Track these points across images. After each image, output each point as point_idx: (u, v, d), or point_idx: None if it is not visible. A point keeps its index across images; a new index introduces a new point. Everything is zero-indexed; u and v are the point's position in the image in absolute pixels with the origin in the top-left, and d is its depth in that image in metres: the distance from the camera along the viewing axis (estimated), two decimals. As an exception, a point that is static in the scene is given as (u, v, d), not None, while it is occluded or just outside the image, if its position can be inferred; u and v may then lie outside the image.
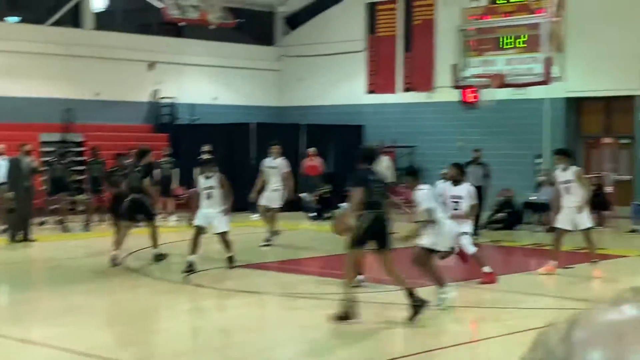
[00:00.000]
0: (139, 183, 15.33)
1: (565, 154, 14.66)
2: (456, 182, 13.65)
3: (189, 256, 14.16)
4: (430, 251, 11.20)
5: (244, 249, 16.55)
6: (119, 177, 16.39)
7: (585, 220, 13.97)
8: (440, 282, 11.17)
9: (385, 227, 10.51)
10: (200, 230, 14.50)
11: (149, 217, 15.47)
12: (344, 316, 10.28)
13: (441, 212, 11.33)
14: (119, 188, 16.05)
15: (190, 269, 14.02)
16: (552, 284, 13.68)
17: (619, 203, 22.41)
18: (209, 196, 14.64)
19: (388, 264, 10.58)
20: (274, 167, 17.83)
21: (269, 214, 17.78)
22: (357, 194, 10.46)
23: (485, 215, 20.32)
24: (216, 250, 15.17)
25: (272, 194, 17.71)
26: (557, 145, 22.07)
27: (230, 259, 14.64)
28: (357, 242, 10.50)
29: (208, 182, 14.68)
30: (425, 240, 11.11)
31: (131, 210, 15.30)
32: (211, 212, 14.55)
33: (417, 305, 10.27)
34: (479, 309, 11.93)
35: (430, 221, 11.05)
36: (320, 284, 13.35)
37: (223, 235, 14.69)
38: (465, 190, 13.47)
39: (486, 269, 13.34)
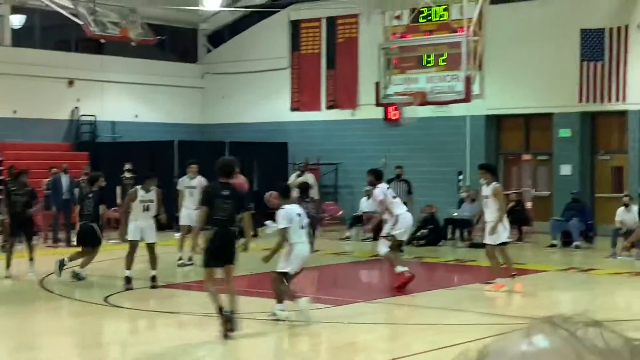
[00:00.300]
0: (94, 209, 15.29)
1: (487, 170, 14.84)
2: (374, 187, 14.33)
3: (126, 271, 14.34)
4: (283, 273, 11.32)
5: (166, 268, 16.35)
6: (17, 197, 16.11)
7: (501, 235, 14.10)
8: (281, 298, 11.36)
9: (229, 242, 10.61)
10: (135, 245, 14.63)
11: (96, 244, 15.42)
12: (229, 329, 10.30)
13: (297, 234, 11.36)
14: (16, 208, 15.91)
15: (129, 285, 14.21)
16: (474, 299, 13.80)
17: (538, 218, 22.82)
18: (146, 209, 14.79)
19: (228, 278, 10.74)
20: (194, 186, 17.56)
21: (190, 234, 17.56)
22: (202, 211, 10.79)
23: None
24: (139, 269, 14.94)
25: (193, 213, 17.46)
26: (478, 162, 22.40)
27: (154, 279, 14.51)
28: (206, 259, 10.66)
29: (147, 196, 14.84)
30: (279, 264, 11.32)
31: (82, 236, 15.46)
32: (144, 225, 14.69)
33: (228, 329, 10.33)
34: (403, 326, 11.97)
35: (285, 241, 11.16)
36: (244, 303, 13.22)
37: (152, 247, 14.69)
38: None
39: (399, 269, 13.60)
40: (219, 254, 10.58)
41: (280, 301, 11.37)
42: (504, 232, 14.13)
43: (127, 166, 23.10)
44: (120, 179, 22.62)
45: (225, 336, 10.25)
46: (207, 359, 10.11)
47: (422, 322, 11.81)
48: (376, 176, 14.66)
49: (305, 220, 11.80)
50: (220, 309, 10.35)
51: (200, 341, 10.77)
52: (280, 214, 11.41)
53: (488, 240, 14.15)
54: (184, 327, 11.97)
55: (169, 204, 18.82)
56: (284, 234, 11.27)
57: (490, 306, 13.20)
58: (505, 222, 14.25)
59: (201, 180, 17.58)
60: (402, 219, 14.25)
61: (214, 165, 10.99)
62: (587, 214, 21.18)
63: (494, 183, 14.37)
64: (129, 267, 14.40)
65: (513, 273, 14.25)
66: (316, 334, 11.07)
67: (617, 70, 22.84)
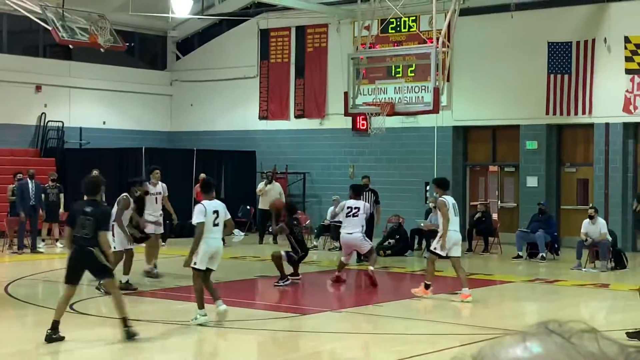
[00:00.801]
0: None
1: (435, 184, 15.10)
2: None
3: (124, 276, 14.72)
4: (201, 270, 11.37)
5: (132, 276, 16.26)
6: None
7: (437, 243, 14.21)
8: (202, 302, 11.56)
9: (89, 259, 10.60)
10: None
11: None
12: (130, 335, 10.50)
13: (210, 230, 11.42)
14: None
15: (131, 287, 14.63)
16: (440, 309, 13.86)
17: (505, 230, 22.99)
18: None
19: (112, 291, 10.98)
20: (158, 192, 17.38)
21: (153, 241, 17.46)
22: (66, 230, 11.13)
23: (375, 242, 20.50)
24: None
25: (157, 220, 17.32)
26: (445, 173, 22.55)
27: (126, 284, 14.61)
28: (66, 277, 10.78)
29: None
30: (196, 260, 11.49)
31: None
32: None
33: (129, 334, 10.54)
34: (369, 335, 11.99)
35: (201, 237, 11.30)
36: (210, 311, 13.18)
37: (129, 252, 15.06)
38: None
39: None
40: (77, 271, 10.69)
41: (200, 306, 11.54)
42: (448, 244, 14.13)
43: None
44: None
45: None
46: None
47: (389, 332, 11.83)
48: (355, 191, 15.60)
49: (226, 218, 11.75)
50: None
51: (158, 348, 10.71)
52: (196, 209, 11.48)
53: (439, 250, 14.22)
54: (142, 335, 11.91)
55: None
56: (200, 229, 11.26)
57: (456, 316, 13.26)
58: (449, 235, 14.14)
59: (164, 187, 17.44)
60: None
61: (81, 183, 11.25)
62: (553, 226, 21.36)
63: (442, 197, 14.43)
64: (126, 272, 14.90)
65: (428, 282, 14.31)
66: (283, 343, 11.06)
67: (583, 83, 23.09)
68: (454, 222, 14.21)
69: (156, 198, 17.14)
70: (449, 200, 14.41)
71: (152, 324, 12.51)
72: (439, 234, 14.26)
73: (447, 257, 14.23)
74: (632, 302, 15.09)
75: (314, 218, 25.78)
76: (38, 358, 10.49)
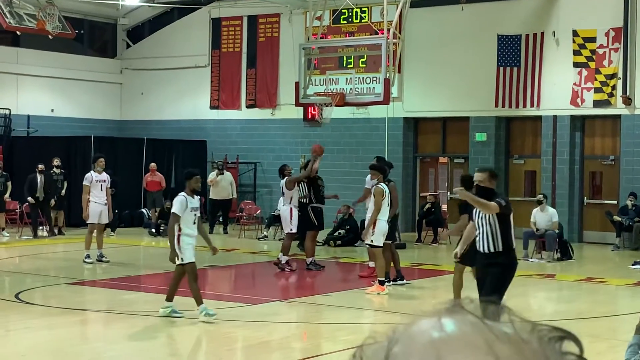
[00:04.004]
0: None
1: (374, 168, 14.84)
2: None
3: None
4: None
5: (76, 266, 16.17)
6: None
7: (371, 235, 14.01)
8: (171, 296, 11.43)
9: None
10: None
11: None
12: None
13: (189, 225, 11.25)
14: None
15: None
16: (390, 299, 13.94)
17: (453, 220, 23.13)
18: None
19: None
20: (104, 180, 17.33)
21: (97, 231, 17.38)
22: None
23: (325, 232, 20.55)
24: (56, 267, 14.71)
25: (103, 210, 17.24)
26: (395, 164, 22.63)
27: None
28: None
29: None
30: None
31: None
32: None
33: None
34: (318, 325, 12.03)
35: (175, 227, 11.13)
36: (160, 301, 13.12)
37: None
38: None
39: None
40: None
41: (169, 298, 11.42)
42: (378, 234, 13.95)
43: (56, 161, 22.83)
44: (49, 174, 22.33)
45: None
46: (117, 358, 9.99)
47: (337, 321, 11.88)
48: None
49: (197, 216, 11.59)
50: None
51: (108, 339, 10.64)
52: (177, 199, 11.26)
53: (375, 240, 14.07)
54: (90, 324, 11.83)
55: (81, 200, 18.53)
56: (176, 220, 11.11)
57: (405, 306, 13.35)
58: (381, 224, 13.92)
59: (107, 176, 17.39)
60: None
61: None
62: (501, 217, 21.54)
63: (380, 184, 14.28)
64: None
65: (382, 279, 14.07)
66: (231, 332, 11.04)
67: (532, 76, 23.34)
68: (386, 212, 13.95)
69: (101, 185, 17.13)
70: (386, 189, 14.15)
71: (99, 313, 12.43)
72: (367, 225, 14.03)
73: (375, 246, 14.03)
74: (576, 292, 15.35)
75: (265, 208, 25.76)
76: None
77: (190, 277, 11.18)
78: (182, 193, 11.31)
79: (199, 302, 11.24)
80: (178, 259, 11.21)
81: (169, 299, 11.44)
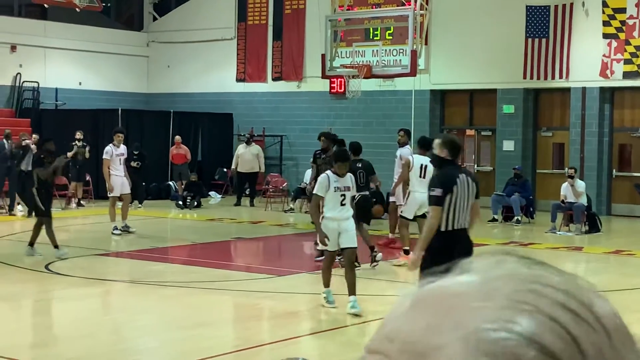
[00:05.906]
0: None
1: (406, 132, 14.91)
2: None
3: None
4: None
5: (105, 237, 16.32)
6: None
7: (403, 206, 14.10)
8: None
9: None
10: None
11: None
12: None
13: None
14: None
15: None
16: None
17: (481, 193, 22.99)
18: None
19: None
20: (122, 154, 17.55)
21: (123, 202, 17.60)
22: None
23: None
24: (85, 238, 14.82)
25: (124, 181, 17.48)
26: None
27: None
28: None
29: None
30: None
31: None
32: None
33: None
34: (342, 296, 12.05)
35: None
36: (187, 272, 13.22)
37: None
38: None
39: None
40: None
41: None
42: (409, 206, 13.93)
43: (78, 135, 22.98)
44: (71, 147, 22.53)
45: None
46: (145, 327, 10.08)
47: (364, 293, 11.89)
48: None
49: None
50: None
51: (136, 309, 10.74)
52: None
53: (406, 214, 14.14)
54: (118, 295, 11.94)
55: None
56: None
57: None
58: (414, 196, 13.84)
59: (125, 148, 17.71)
60: None
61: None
62: (528, 190, 21.48)
63: (410, 156, 14.34)
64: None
65: (406, 248, 14.01)
66: (258, 303, 11.10)
67: (560, 47, 23.11)
68: (421, 184, 13.59)
69: (120, 159, 17.35)
70: (417, 160, 14.11)
71: (127, 284, 12.54)
72: (404, 198, 14.13)
73: (414, 219, 14.06)
74: (604, 264, 15.27)
75: (291, 181, 25.78)
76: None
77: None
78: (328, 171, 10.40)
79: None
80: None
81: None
